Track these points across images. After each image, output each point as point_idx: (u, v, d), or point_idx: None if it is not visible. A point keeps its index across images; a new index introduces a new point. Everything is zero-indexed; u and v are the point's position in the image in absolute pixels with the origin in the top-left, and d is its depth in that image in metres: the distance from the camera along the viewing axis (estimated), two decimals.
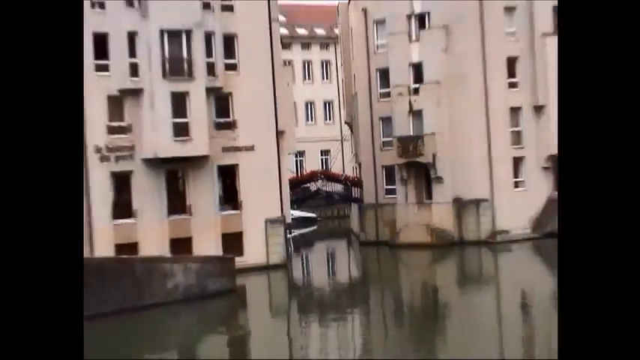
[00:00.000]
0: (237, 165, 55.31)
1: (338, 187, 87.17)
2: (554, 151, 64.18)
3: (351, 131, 76.84)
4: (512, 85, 64.66)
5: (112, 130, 51.92)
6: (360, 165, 73.27)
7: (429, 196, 64.94)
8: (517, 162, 64.90)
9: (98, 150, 51.34)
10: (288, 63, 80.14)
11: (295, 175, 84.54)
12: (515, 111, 64.77)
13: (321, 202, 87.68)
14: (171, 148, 52.08)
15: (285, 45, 79.31)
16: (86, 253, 49.23)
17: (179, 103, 52.19)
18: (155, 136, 51.67)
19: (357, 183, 75.35)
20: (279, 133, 56.57)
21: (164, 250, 51.67)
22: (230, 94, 54.92)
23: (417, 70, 64.56)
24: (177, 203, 53.63)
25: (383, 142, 67.74)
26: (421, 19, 65.05)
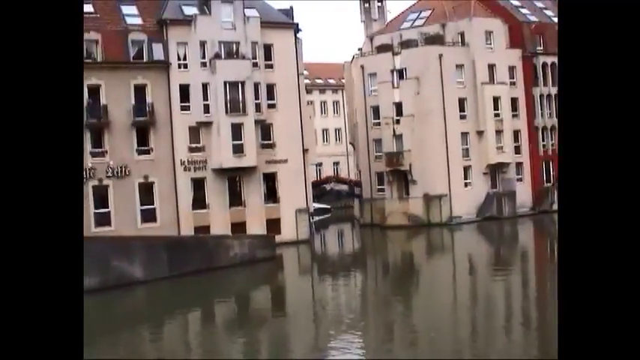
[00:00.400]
0: (276, 172, 55.28)
1: (345, 187, 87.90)
2: (490, 161, 64.97)
3: (354, 148, 77.24)
4: (462, 117, 65.00)
5: (191, 150, 52.10)
6: (360, 171, 73.40)
7: (407, 192, 65.23)
8: (466, 169, 65.25)
9: (182, 163, 51.64)
10: (310, 103, 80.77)
11: (315, 179, 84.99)
12: (464, 135, 65.14)
13: (333, 198, 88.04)
14: (231, 161, 52.31)
15: (308, 90, 79.65)
16: (174, 234, 50.04)
17: (236, 130, 52.38)
18: (220, 153, 52.01)
19: (358, 184, 75.68)
20: (304, 151, 56.68)
21: (227, 231, 51.55)
22: (271, 124, 54.99)
23: (398, 107, 64.90)
24: (235, 199, 53.66)
25: (375, 155, 67.77)
26: (400, 73, 65.46)
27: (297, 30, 57.02)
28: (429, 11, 70.20)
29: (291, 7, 58.68)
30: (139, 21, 52.62)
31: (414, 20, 70.24)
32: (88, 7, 51.73)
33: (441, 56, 63.74)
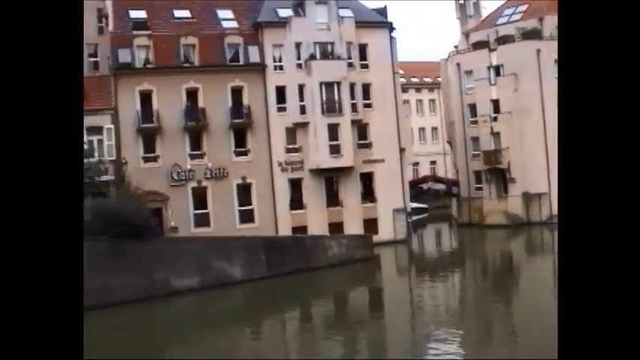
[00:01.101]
0: (373, 172, 55.16)
1: (442, 186, 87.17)
2: None
3: (451, 147, 76.57)
4: None
5: (288, 150, 52.51)
6: (457, 170, 72.81)
7: (505, 191, 64.37)
8: None
9: (280, 164, 52.06)
10: (406, 102, 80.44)
11: (412, 178, 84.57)
12: None
13: (430, 197, 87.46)
14: (328, 161, 52.55)
15: (404, 89, 79.14)
16: (272, 234, 50.44)
17: (333, 131, 52.62)
18: (317, 154, 52.34)
19: (456, 183, 75.06)
20: (401, 150, 56.49)
21: (324, 231, 51.71)
22: (367, 124, 54.99)
23: (496, 104, 64.16)
24: (332, 199, 53.81)
25: (473, 154, 67.16)
26: (497, 69, 64.70)
27: (391, 29, 56.91)
28: (526, 5, 68.98)
29: (385, 6, 58.55)
30: (234, 24, 53.42)
31: (511, 15, 69.16)
32: (185, 13, 53.03)
33: (538, 51, 62.56)
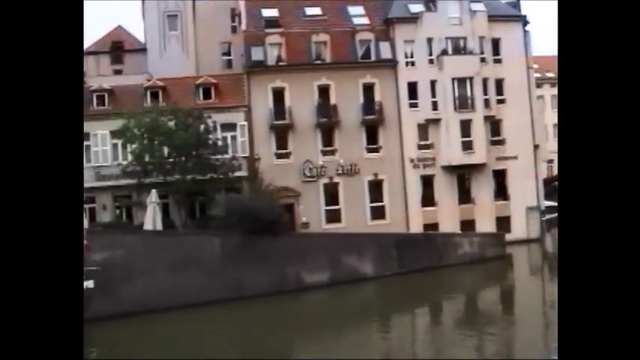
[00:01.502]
0: (505, 169, 54.12)
1: None
2: None
3: None
4: None
5: (420, 147, 52.14)
6: None
7: None
8: None
9: (411, 160, 51.83)
10: (540, 97, 78.71)
11: (547, 176, 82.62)
12: None
13: None
14: (460, 158, 51.99)
15: (538, 85, 77.31)
16: (403, 231, 50.18)
17: (465, 127, 51.98)
18: (449, 150, 51.84)
19: None
20: (535, 147, 55.21)
21: (456, 228, 51.13)
22: (500, 120, 53.96)
23: None
24: (464, 196, 53.12)
25: None
26: None
27: (525, 22, 55.78)
28: None
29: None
30: (365, 21, 53.56)
31: None
32: (316, 10, 53.61)
33: None
